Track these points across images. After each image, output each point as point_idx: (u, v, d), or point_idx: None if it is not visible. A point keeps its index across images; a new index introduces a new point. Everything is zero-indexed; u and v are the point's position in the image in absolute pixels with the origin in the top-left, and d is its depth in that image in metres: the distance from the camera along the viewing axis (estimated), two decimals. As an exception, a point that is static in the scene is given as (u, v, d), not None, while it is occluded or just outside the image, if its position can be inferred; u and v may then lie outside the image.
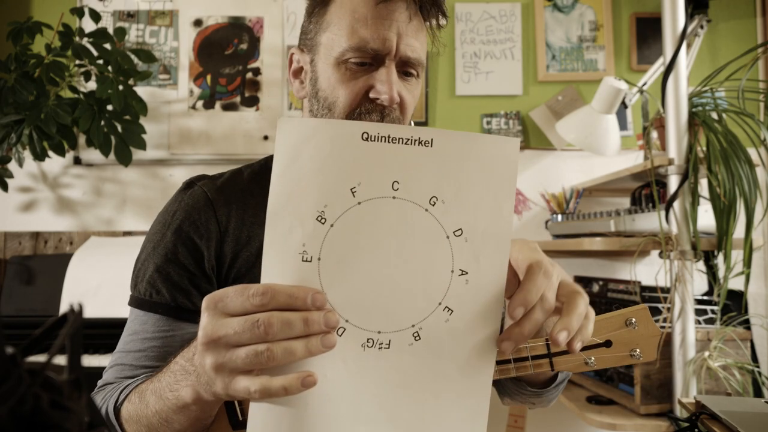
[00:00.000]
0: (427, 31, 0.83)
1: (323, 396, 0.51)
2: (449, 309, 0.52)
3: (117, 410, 0.68)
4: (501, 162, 0.52)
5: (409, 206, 0.51)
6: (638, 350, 0.67)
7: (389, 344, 0.51)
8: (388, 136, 0.51)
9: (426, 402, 0.52)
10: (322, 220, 0.50)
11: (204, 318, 0.49)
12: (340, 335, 0.51)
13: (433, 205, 0.51)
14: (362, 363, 0.51)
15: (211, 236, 0.78)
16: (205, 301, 0.49)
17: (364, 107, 0.77)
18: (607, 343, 0.68)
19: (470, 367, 0.52)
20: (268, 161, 0.90)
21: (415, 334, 0.51)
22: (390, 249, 0.51)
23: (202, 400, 0.54)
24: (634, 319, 0.67)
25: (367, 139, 0.51)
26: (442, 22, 0.84)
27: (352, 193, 0.51)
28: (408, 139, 0.51)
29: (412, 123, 0.89)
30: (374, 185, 0.51)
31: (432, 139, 0.51)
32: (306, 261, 0.50)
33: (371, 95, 0.77)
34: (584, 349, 0.68)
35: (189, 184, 0.84)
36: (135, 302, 0.78)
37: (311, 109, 0.82)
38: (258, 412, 0.51)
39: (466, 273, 0.52)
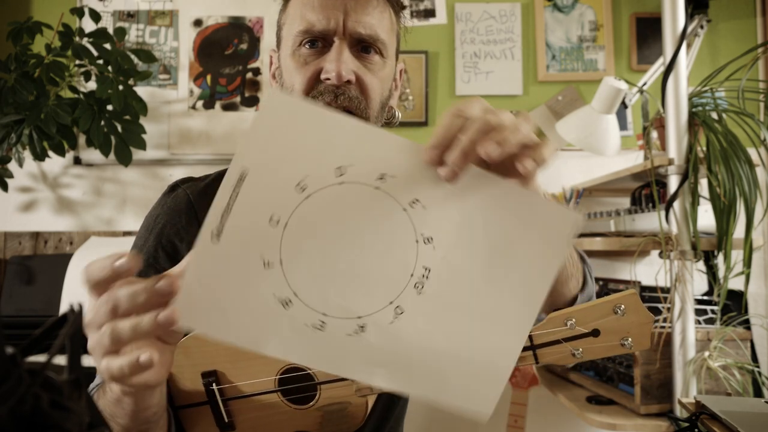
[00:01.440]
0: (388, 9, 0.82)
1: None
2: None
3: None
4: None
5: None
6: (629, 339, 0.64)
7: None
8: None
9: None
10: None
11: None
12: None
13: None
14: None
15: (193, 240, 0.77)
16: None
17: (317, 89, 0.77)
18: (595, 333, 0.65)
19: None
20: None
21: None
22: (350, 234, 0.51)
23: (125, 391, 0.53)
24: (622, 306, 0.64)
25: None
26: None
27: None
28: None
29: (398, 114, 0.88)
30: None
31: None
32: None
33: (321, 76, 0.76)
34: (570, 339, 0.65)
35: (173, 187, 0.84)
36: None
37: None
38: None
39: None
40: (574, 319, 0.64)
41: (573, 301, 0.78)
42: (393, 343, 0.51)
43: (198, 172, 0.91)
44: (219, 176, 0.86)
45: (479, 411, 0.52)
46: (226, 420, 0.66)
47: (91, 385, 0.76)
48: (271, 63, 0.88)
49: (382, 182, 0.50)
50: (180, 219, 0.79)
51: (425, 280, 0.51)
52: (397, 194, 0.51)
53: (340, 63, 0.75)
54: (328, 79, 0.75)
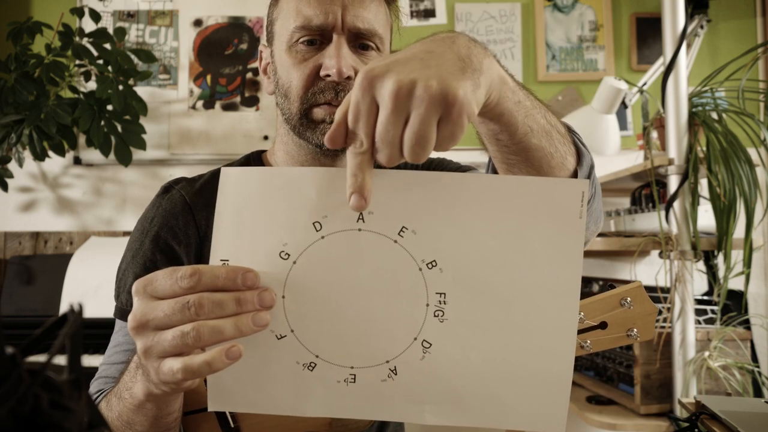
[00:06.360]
0: (383, 2, 0.80)
1: None
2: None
3: None
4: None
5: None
6: (635, 330, 0.65)
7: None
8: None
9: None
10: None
11: (134, 302, 0.48)
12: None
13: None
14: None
15: (191, 242, 0.77)
16: (135, 285, 0.48)
17: (317, 86, 0.75)
18: (603, 325, 0.65)
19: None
20: (248, 159, 0.89)
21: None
22: (349, 283, 0.49)
23: (152, 394, 0.52)
24: (629, 299, 0.65)
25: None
26: None
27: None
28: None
29: None
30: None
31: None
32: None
33: (321, 73, 0.75)
34: (579, 332, 0.64)
35: (166, 189, 0.83)
36: (118, 313, 0.77)
37: (277, 102, 0.81)
38: None
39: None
40: (582, 313, 0.64)
41: (574, 177, 0.67)
42: (430, 378, 0.50)
43: (198, 172, 0.91)
44: (213, 176, 0.84)
45: (550, 430, 0.49)
46: (232, 425, 0.66)
47: (91, 390, 0.75)
48: (260, 58, 0.86)
49: (362, 223, 0.49)
50: (177, 221, 0.78)
51: (444, 306, 0.49)
52: (382, 228, 0.49)
53: (340, 59, 0.73)
54: (329, 75, 0.74)
